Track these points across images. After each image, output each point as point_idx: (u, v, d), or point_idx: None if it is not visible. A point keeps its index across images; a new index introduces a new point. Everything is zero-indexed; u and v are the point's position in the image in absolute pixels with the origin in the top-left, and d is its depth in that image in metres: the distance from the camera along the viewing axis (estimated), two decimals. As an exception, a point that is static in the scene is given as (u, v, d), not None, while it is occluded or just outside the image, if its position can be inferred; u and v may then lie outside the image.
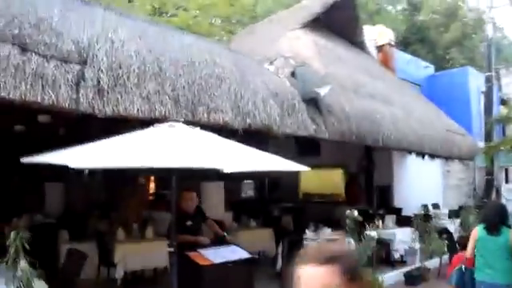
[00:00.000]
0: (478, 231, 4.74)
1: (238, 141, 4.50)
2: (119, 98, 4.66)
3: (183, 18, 17.18)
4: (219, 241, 5.86)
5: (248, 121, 5.76)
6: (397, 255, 8.66)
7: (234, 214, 9.83)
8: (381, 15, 21.45)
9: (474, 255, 4.74)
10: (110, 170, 3.83)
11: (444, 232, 8.91)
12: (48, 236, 7.43)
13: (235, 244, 5.80)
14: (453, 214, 11.27)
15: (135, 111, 4.72)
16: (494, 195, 14.03)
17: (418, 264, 8.48)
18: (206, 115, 5.33)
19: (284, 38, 9.46)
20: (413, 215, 9.27)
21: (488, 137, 13.99)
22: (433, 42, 22.62)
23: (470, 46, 23.29)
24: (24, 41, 4.31)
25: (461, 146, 11.22)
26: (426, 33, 22.84)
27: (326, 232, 7.63)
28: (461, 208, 10.97)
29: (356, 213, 6.81)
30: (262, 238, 8.64)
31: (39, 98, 4.14)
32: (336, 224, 8.05)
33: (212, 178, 9.26)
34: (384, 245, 8.36)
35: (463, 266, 4.92)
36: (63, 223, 8.10)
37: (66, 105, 4.30)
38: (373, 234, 6.81)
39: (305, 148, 9.86)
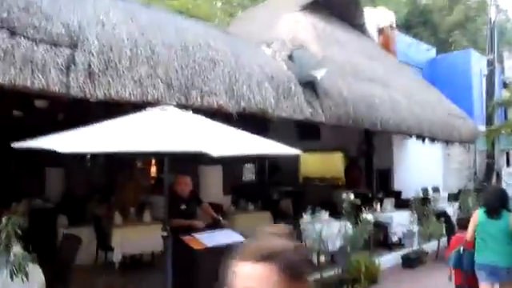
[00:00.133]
0: (478, 215, 4.77)
1: (237, 126, 4.43)
2: (111, 81, 4.60)
3: (183, 1, 17.03)
4: (215, 225, 5.87)
5: (242, 104, 5.70)
6: (395, 238, 8.66)
7: (234, 197, 9.84)
8: (383, -3, 21.13)
9: (474, 238, 4.77)
10: (111, 154, 3.80)
11: (442, 215, 8.93)
12: (47, 221, 7.50)
13: (230, 228, 5.81)
14: (452, 198, 11.30)
15: (127, 95, 4.67)
16: (494, 179, 13.99)
17: (415, 247, 8.50)
18: (199, 99, 5.27)
19: (283, 21, 9.35)
20: (412, 198, 9.27)
21: (489, 120, 13.91)
22: (435, 25, 22.36)
23: (472, 29, 23.04)
24: (13, 24, 4.24)
25: (461, 130, 11.15)
26: (428, 15, 22.57)
27: (324, 215, 7.66)
28: (460, 191, 10.96)
29: (352, 196, 6.82)
30: (260, 222, 8.63)
31: (29, 83, 4.09)
32: (335, 207, 8.06)
33: (210, 161, 9.23)
34: (382, 228, 8.39)
35: (461, 248, 4.94)
36: (62, 208, 8.16)
37: (57, 89, 4.25)
38: (369, 217, 6.83)
39: (305, 132, 9.85)
